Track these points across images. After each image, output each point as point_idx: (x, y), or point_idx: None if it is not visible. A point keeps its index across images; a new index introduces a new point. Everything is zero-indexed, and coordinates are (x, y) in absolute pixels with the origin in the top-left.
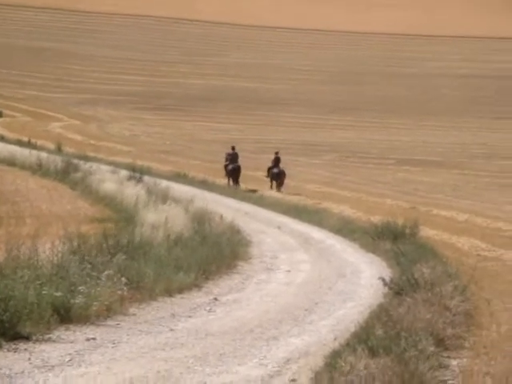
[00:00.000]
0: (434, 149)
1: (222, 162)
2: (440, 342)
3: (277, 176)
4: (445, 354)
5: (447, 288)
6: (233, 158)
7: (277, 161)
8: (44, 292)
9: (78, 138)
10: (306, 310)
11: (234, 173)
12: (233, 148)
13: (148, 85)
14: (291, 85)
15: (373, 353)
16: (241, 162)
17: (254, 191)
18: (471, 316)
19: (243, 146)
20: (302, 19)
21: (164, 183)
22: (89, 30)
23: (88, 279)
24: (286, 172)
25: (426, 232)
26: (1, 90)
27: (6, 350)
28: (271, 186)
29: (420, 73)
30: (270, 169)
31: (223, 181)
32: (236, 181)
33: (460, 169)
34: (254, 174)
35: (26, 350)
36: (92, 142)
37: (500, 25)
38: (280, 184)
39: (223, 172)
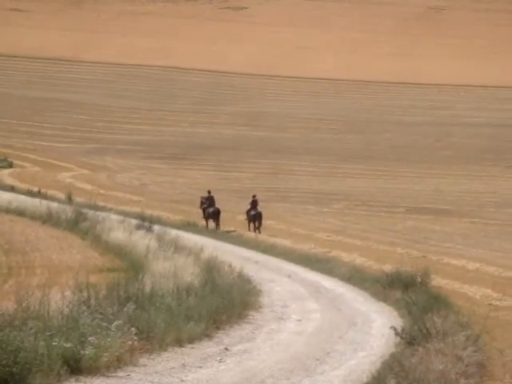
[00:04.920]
0: (445, 197)
1: (230, 210)
2: None
3: (254, 218)
4: None
5: (459, 338)
6: (210, 201)
7: (254, 204)
8: (54, 343)
9: (88, 187)
10: (317, 359)
11: (214, 215)
12: (209, 192)
13: (156, 134)
14: (301, 134)
15: None
16: (218, 204)
17: (232, 231)
18: (484, 366)
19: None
20: (310, 68)
21: (174, 232)
22: (95, 80)
23: (98, 330)
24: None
25: (437, 281)
26: (10, 140)
27: None
28: (249, 228)
29: (430, 121)
30: (248, 211)
31: (238, 230)
32: (217, 223)
33: (470, 217)
34: (265, 222)
35: None
36: (102, 191)
37: (510, 74)
38: (259, 225)
39: (202, 215)
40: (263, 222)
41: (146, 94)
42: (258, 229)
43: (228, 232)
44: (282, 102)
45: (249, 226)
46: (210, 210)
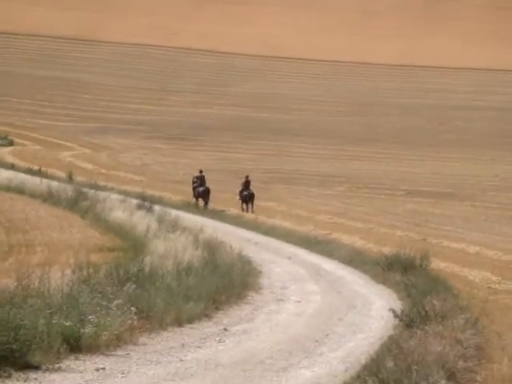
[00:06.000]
0: (446, 180)
1: (234, 191)
2: (451, 376)
3: (247, 198)
4: None
5: (458, 321)
6: (201, 180)
7: (247, 184)
8: (54, 321)
9: (89, 166)
10: (316, 341)
11: (203, 194)
12: (200, 171)
13: (158, 114)
14: (304, 115)
15: None
16: (209, 184)
17: (223, 211)
18: (482, 349)
19: (255, 176)
20: (315, 50)
21: (174, 213)
22: (99, 59)
23: (98, 308)
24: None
25: (437, 264)
26: (11, 119)
27: (15, 380)
28: (242, 208)
29: (434, 104)
30: (241, 192)
31: (234, 210)
32: (206, 201)
33: (471, 201)
34: (266, 204)
35: (35, 379)
36: (103, 171)
37: None
38: (251, 205)
39: (193, 193)
40: (255, 202)
41: (150, 74)
42: (250, 209)
43: (221, 211)
44: (286, 84)
45: (241, 206)
46: (200, 189)
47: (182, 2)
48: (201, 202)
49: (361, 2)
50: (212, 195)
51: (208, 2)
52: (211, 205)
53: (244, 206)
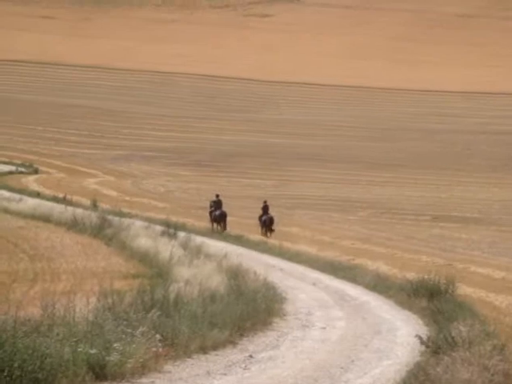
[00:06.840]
0: (472, 205)
1: (255, 217)
2: None
3: (265, 223)
4: None
5: (485, 347)
6: (217, 205)
7: (265, 209)
8: (79, 349)
9: (113, 193)
10: (341, 368)
11: (220, 219)
12: (217, 196)
13: (180, 141)
14: (327, 141)
15: None
16: (225, 208)
17: (241, 236)
18: (510, 376)
19: (278, 202)
20: (335, 75)
21: (198, 239)
22: (121, 86)
23: (123, 336)
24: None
25: (463, 289)
26: (36, 146)
27: None
28: (262, 233)
29: (458, 129)
30: (260, 217)
31: (258, 236)
32: (224, 226)
33: (498, 225)
34: (290, 229)
35: None
36: (127, 198)
37: None
38: (270, 230)
39: (209, 218)
40: (275, 226)
41: (172, 101)
42: (268, 232)
43: (240, 236)
44: (307, 110)
45: (262, 231)
46: (217, 212)
47: (202, 29)
48: (216, 225)
49: (382, 27)
50: (236, 221)
51: (227, 28)
52: (229, 229)
53: (264, 230)
